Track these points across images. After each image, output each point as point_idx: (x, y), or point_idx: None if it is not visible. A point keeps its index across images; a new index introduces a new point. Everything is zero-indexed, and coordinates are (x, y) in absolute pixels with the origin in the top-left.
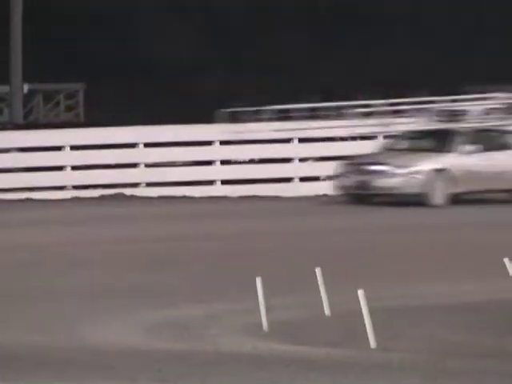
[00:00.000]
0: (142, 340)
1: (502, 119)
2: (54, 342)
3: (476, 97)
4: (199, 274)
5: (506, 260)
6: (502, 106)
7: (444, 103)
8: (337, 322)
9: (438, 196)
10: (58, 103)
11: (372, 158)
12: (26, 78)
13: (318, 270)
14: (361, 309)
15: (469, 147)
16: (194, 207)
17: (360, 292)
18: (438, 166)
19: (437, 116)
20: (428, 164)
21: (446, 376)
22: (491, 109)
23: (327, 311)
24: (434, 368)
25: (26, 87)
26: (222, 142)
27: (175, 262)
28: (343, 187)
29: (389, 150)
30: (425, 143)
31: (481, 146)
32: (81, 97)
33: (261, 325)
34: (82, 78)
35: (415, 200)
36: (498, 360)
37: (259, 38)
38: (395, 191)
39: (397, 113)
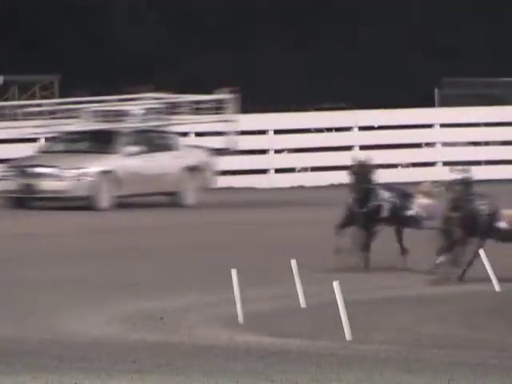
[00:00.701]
0: (118, 332)
1: (160, 120)
2: (27, 334)
3: (134, 97)
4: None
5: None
6: (160, 107)
7: (108, 103)
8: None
9: (105, 199)
10: (33, 94)
11: (36, 161)
12: (1, 70)
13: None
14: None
15: (132, 148)
16: None
17: (335, 284)
18: (104, 168)
19: (94, 117)
20: (94, 166)
21: (420, 367)
22: (150, 109)
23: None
24: (408, 360)
25: (1, 79)
26: None
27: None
28: (4, 191)
29: (49, 151)
30: (87, 144)
31: (144, 148)
32: (56, 88)
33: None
34: (56, 69)
35: (83, 203)
36: (469, 351)
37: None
38: (63, 194)
39: (62, 113)
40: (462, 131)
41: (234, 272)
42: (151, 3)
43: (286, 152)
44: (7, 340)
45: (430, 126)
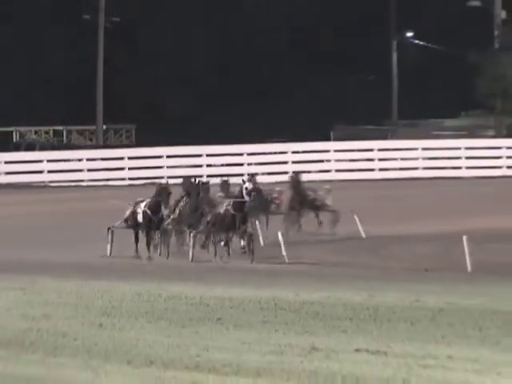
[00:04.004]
0: None
1: None
2: None
3: None
4: None
5: None
6: None
7: None
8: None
9: None
10: (121, 135)
11: None
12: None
13: None
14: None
15: None
16: None
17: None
18: None
19: None
20: None
21: (328, 276)
22: None
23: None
24: (322, 273)
25: (104, 126)
26: None
27: None
28: None
29: None
30: None
31: None
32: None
33: None
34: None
35: None
36: (350, 268)
37: None
38: None
39: None
40: (349, 154)
41: None
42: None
43: None
44: None
45: (327, 151)
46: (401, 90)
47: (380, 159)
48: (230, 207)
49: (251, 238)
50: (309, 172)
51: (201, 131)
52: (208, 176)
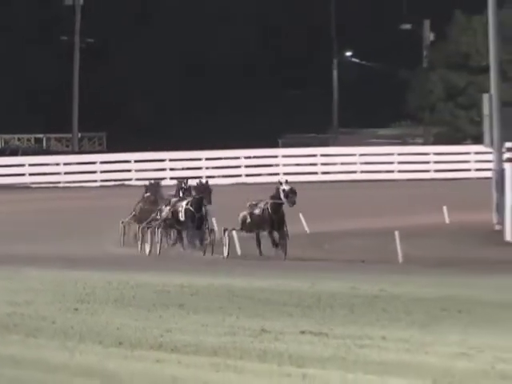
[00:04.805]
0: None
1: None
2: None
3: None
4: None
5: None
6: None
7: None
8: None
9: None
10: (94, 142)
11: None
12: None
13: None
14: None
15: None
16: None
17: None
18: None
19: None
20: None
21: (277, 267)
22: None
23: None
24: (272, 264)
25: (79, 134)
26: None
27: None
28: None
29: None
30: None
31: None
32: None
33: None
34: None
35: None
36: (308, 261)
37: None
38: None
39: None
40: (295, 159)
41: None
42: None
43: None
44: None
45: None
46: (341, 102)
47: (322, 164)
48: (267, 208)
49: (286, 237)
50: (259, 175)
51: (164, 139)
52: (171, 178)
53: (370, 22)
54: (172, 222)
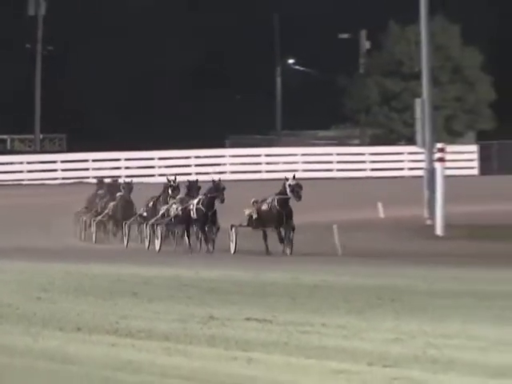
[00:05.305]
0: None
1: None
2: None
3: None
4: None
5: None
6: None
7: None
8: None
9: None
10: (54, 143)
11: None
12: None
13: None
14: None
15: None
16: None
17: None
18: None
19: None
20: None
21: (224, 259)
22: None
23: None
24: (219, 256)
25: (41, 135)
26: None
27: None
28: None
29: None
30: None
31: None
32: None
33: None
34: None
35: None
36: (252, 253)
37: None
38: None
39: None
40: (241, 159)
41: None
42: None
43: None
44: None
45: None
46: (284, 106)
47: (267, 163)
48: (275, 203)
49: (292, 232)
50: (208, 173)
51: (120, 139)
52: (126, 176)
53: (311, 32)
54: (182, 219)
